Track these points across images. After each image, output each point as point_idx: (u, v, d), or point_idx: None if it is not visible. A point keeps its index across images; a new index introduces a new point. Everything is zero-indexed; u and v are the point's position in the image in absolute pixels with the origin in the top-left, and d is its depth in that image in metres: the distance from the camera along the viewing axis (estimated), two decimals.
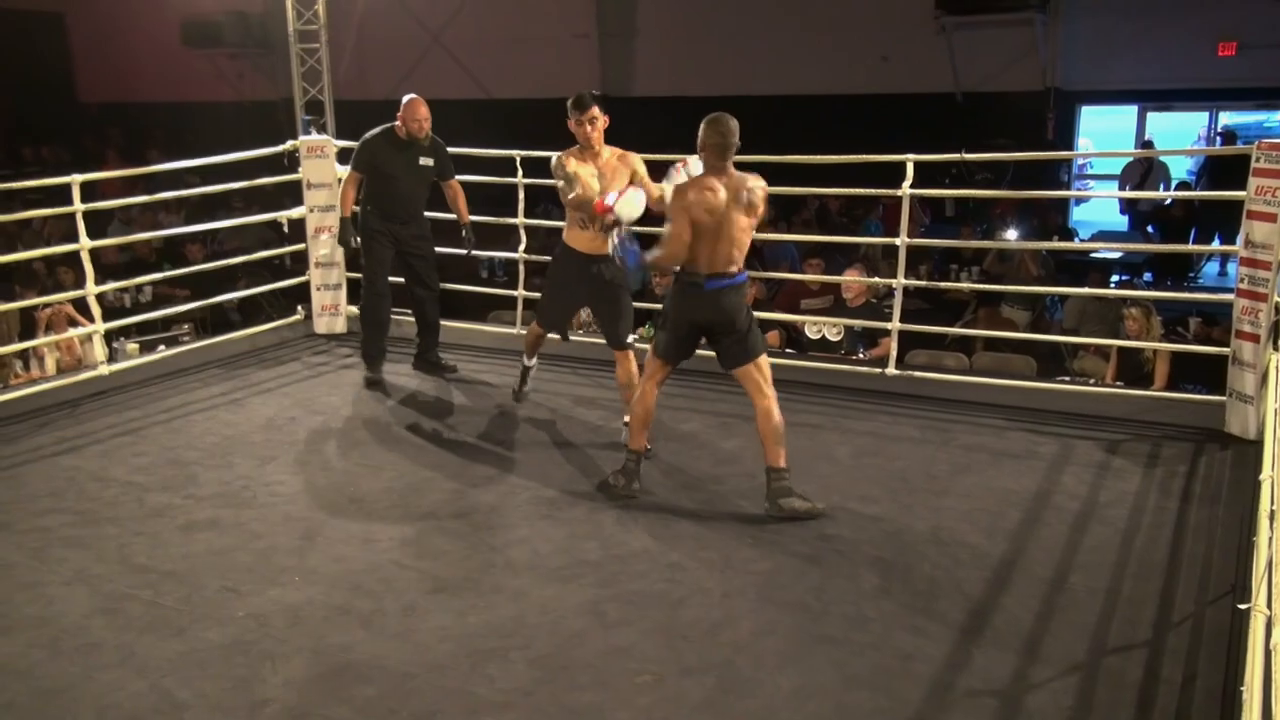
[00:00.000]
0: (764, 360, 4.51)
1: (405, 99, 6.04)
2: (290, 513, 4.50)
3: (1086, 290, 7.83)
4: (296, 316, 7.45)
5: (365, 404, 5.97)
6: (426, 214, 6.27)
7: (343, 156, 7.26)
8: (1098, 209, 14.38)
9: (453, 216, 6.38)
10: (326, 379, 6.50)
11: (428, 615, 3.66)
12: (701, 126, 4.37)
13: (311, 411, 5.84)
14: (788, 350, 7.00)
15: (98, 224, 8.23)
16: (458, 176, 6.32)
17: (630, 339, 5.20)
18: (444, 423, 5.59)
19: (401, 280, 6.34)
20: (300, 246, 7.41)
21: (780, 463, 4.38)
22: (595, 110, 5.01)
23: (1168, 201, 12.62)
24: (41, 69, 17.90)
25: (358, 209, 6.10)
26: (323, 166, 7.17)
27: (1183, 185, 12.89)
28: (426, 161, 6.10)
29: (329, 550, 4.16)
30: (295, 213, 7.25)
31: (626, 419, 4.98)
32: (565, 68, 15.11)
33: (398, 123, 6.03)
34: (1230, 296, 5.26)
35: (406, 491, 4.71)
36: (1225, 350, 5.26)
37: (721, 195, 4.30)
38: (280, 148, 7.18)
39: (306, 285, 7.36)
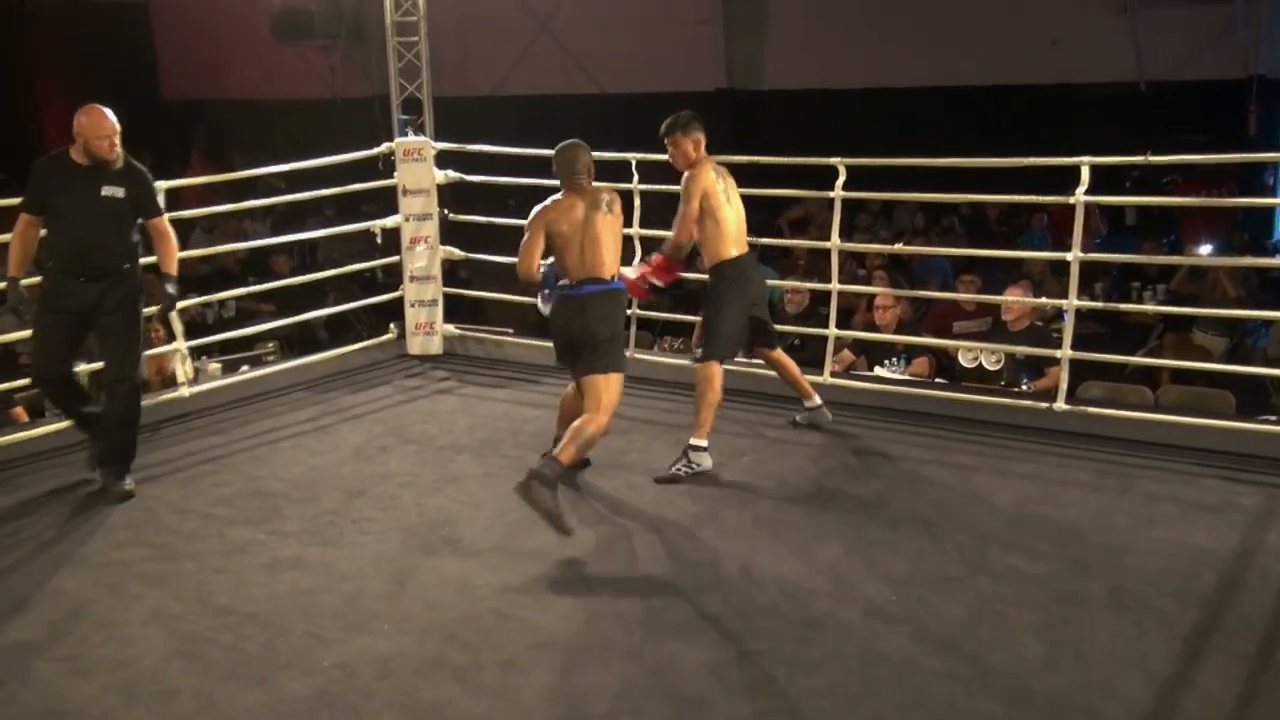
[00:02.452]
0: (615, 379, 4.98)
1: (84, 110, 5.08)
2: (380, 553, 4.62)
3: None
4: (389, 335, 7.66)
5: (463, 433, 6.09)
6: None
7: (442, 160, 7.46)
8: None
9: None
10: (420, 405, 6.66)
11: (530, 672, 3.71)
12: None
13: (405, 440, 5.99)
14: (938, 380, 6.90)
15: (179, 232, 8.57)
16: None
17: (698, 353, 5.59)
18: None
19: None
20: (394, 259, 7.62)
21: (564, 458, 4.73)
22: None
23: None
24: (124, 65, 18.80)
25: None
26: (420, 171, 7.37)
27: None
28: (113, 192, 5.08)
29: (422, 595, 4.25)
30: (389, 221, 7.46)
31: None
32: (686, 58, 15.18)
33: (75, 142, 5.07)
34: None
35: (508, 532, 4.78)
36: None
37: (580, 208, 5.00)
38: (375, 150, 7.41)
39: (400, 301, 7.57)
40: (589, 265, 4.98)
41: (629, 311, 6.37)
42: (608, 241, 5.01)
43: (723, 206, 5.46)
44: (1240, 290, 9.01)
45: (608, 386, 4.96)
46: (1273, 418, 6.32)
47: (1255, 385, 7.16)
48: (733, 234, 5.50)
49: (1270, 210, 11.91)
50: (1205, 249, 10.19)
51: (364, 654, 3.84)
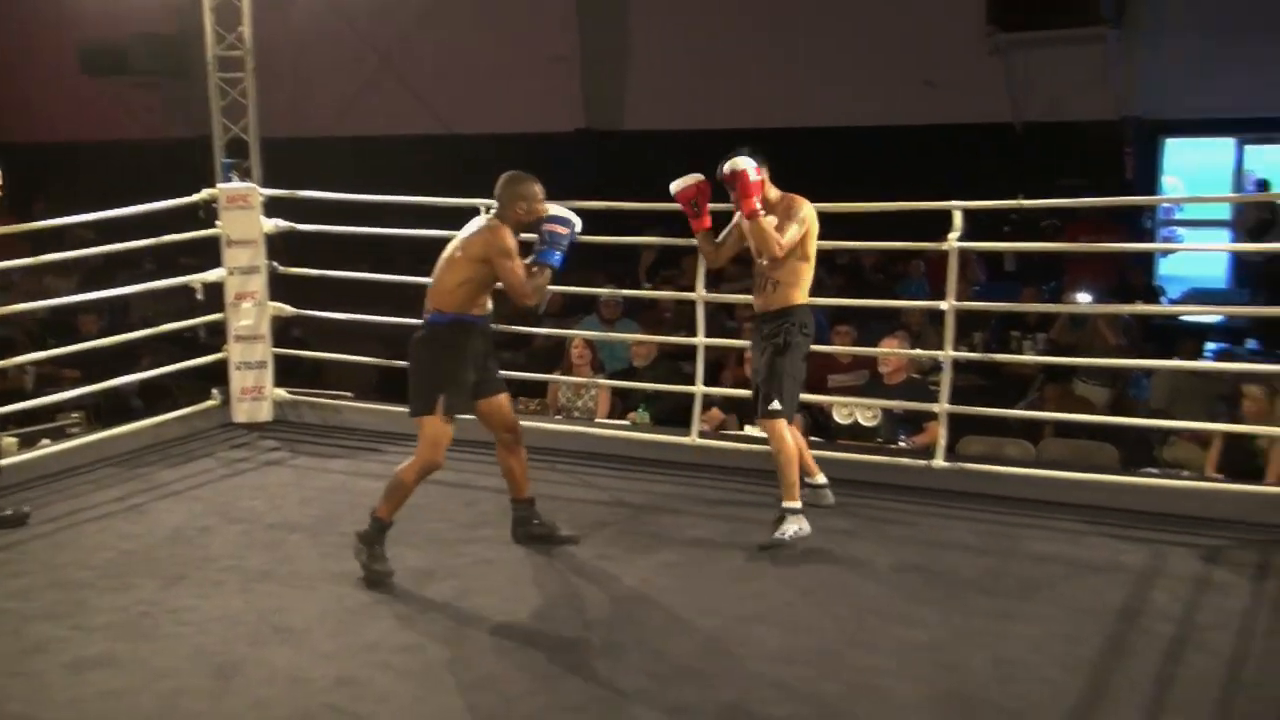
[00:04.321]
0: (425, 421, 5.03)
1: None
2: (202, 645, 4.48)
3: (1177, 363, 7.86)
4: (211, 402, 7.49)
5: (295, 509, 5.98)
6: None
7: (271, 207, 7.36)
8: (1190, 262, 14.50)
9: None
10: (248, 478, 6.52)
11: None
12: None
13: (229, 519, 5.85)
14: (812, 438, 7.01)
15: None
16: (410, 230, 6.32)
17: (774, 405, 5.36)
18: (392, 533, 5.57)
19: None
20: (217, 316, 7.47)
21: (379, 513, 5.04)
22: None
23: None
24: None
25: None
26: (246, 220, 7.26)
27: None
28: None
29: (249, 692, 4.13)
30: (211, 275, 7.31)
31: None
32: (541, 97, 15.33)
33: None
34: None
35: (345, 618, 4.69)
36: None
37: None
38: (195, 197, 7.28)
39: (224, 364, 7.42)
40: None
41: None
42: (439, 275, 5.12)
43: (815, 249, 5.49)
44: (1121, 339, 9.39)
45: (420, 431, 5.06)
46: (1156, 471, 6.60)
47: (1139, 437, 7.45)
48: (810, 282, 5.51)
49: (1149, 255, 12.47)
50: (1083, 296, 10.60)
51: None
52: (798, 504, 5.31)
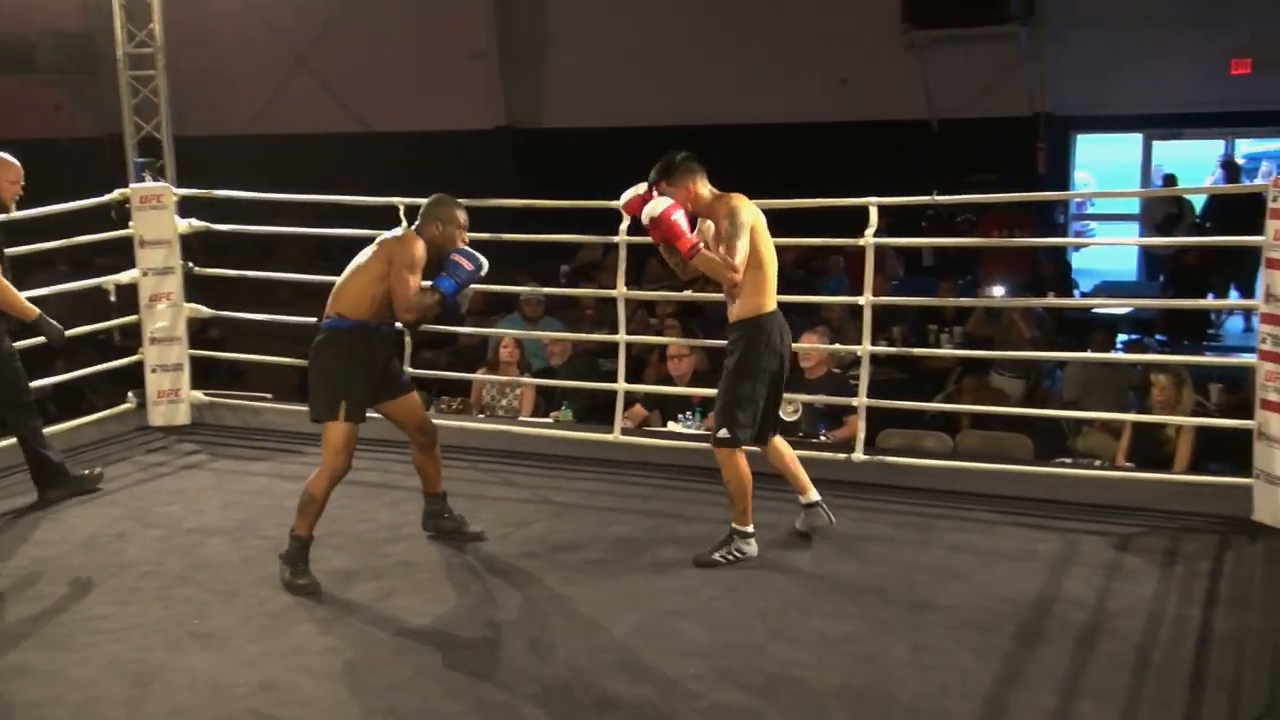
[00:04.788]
0: (329, 427, 4.93)
1: None
2: (119, 654, 4.42)
3: (1089, 355, 8.01)
4: (127, 405, 7.38)
5: (215, 513, 5.91)
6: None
7: (184, 207, 7.26)
8: (1101, 255, 14.82)
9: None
10: (165, 483, 6.43)
11: None
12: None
13: (146, 524, 5.77)
14: None
15: None
16: (327, 230, 6.27)
17: (721, 433, 5.10)
18: (315, 533, 5.52)
19: None
20: (132, 319, 7.36)
21: (298, 531, 4.97)
22: None
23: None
24: None
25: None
26: (159, 220, 7.15)
27: (1199, 229, 13.30)
28: None
29: (168, 699, 4.08)
30: (125, 277, 7.20)
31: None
32: (460, 95, 15.28)
33: None
34: (1254, 359, 5.45)
35: (266, 622, 4.65)
36: (1251, 424, 5.43)
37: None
38: (106, 197, 7.16)
39: (139, 366, 7.31)
40: None
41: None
42: (346, 280, 5.04)
43: (769, 248, 5.10)
44: (1035, 331, 9.59)
45: (323, 438, 4.97)
46: (1068, 460, 6.75)
47: (1052, 428, 7.61)
48: (772, 284, 5.13)
49: (1062, 249, 12.74)
50: (998, 290, 10.80)
51: None
52: (748, 528, 5.12)
